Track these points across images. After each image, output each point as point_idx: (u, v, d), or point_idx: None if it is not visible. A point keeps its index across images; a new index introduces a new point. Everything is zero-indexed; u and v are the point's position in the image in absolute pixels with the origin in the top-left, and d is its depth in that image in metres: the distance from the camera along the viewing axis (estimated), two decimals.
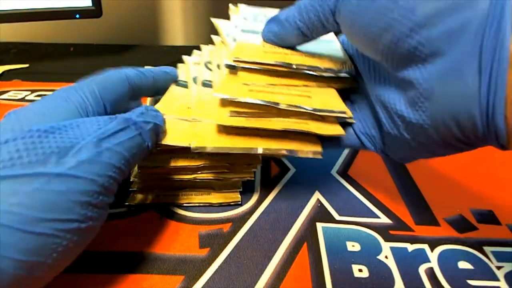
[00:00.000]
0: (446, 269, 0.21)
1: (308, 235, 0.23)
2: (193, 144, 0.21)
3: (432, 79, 0.16)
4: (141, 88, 0.24)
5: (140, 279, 0.20)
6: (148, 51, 0.58)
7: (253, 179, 0.25)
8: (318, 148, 0.22)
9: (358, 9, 0.18)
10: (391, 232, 0.24)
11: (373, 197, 0.27)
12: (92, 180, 0.16)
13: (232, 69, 0.22)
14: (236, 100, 0.21)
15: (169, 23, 0.75)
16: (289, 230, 0.23)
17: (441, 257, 0.22)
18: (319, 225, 0.24)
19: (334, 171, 0.30)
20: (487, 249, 0.23)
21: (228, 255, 0.22)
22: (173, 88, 0.26)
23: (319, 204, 0.26)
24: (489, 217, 0.25)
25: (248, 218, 0.24)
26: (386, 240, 0.23)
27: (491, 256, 0.22)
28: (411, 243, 0.23)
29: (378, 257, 0.22)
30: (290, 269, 0.21)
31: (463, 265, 0.21)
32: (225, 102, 0.21)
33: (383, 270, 0.21)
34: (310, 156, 0.22)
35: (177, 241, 0.22)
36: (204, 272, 0.20)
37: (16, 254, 0.14)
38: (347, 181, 0.29)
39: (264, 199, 0.26)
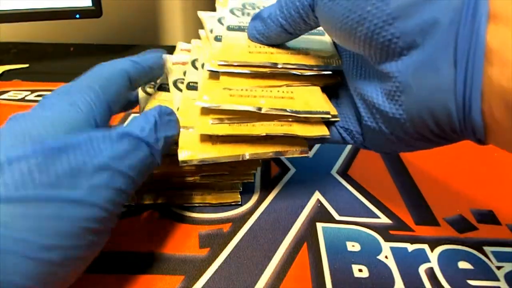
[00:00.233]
0: (446, 269, 0.21)
1: (308, 235, 0.23)
2: (180, 157, 0.20)
3: (407, 71, 0.16)
4: (140, 80, 0.23)
5: (140, 279, 0.20)
6: None
7: (253, 181, 0.25)
8: (305, 147, 0.22)
9: (333, 2, 0.17)
10: (391, 232, 0.24)
11: (373, 197, 0.27)
12: (102, 207, 0.15)
13: (213, 73, 0.22)
14: (218, 107, 0.20)
15: (169, 23, 0.75)
16: (289, 230, 0.23)
17: (441, 257, 0.22)
18: (319, 225, 0.24)
19: (334, 171, 0.30)
20: (487, 249, 0.23)
21: (228, 255, 0.22)
22: (156, 94, 0.26)
23: (319, 204, 0.26)
24: (489, 217, 0.25)
25: (248, 218, 0.24)
26: (386, 240, 0.23)
27: (491, 256, 0.22)
28: (411, 243, 0.23)
29: (378, 257, 0.22)
30: (290, 269, 0.21)
31: (463, 265, 0.21)
32: (206, 110, 0.21)
33: (383, 270, 0.21)
34: (297, 155, 0.22)
35: (177, 241, 0.22)
36: (204, 272, 0.20)
37: (23, 280, 0.13)
38: (347, 181, 0.29)
39: (264, 199, 0.26)
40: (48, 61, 0.52)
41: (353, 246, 0.22)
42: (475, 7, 0.14)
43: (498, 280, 0.21)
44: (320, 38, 0.24)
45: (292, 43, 0.23)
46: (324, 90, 0.23)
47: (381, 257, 0.22)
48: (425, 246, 0.23)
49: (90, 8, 0.49)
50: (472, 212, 0.26)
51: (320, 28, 0.26)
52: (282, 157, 0.31)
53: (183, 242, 0.22)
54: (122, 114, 0.37)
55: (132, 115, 0.37)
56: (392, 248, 0.22)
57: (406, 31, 0.15)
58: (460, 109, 0.14)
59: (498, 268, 0.21)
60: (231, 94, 0.21)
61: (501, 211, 0.26)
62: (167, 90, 0.26)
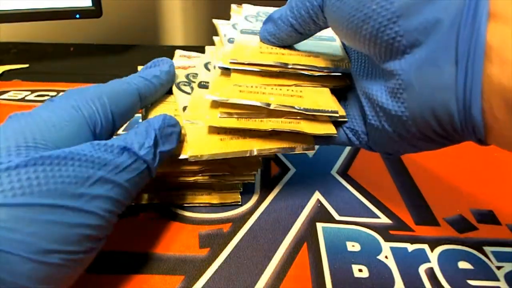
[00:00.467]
0: (446, 269, 0.21)
1: (308, 235, 0.23)
2: (189, 153, 0.21)
3: (410, 69, 0.16)
4: (150, 97, 0.24)
5: (140, 279, 0.20)
6: (148, 51, 0.58)
7: (253, 181, 0.25)
8: (311, 144, 0.22)
9: (341, 2, 0.18)
10: (391, 232, 0.24)
11: (373, 197, 0.27)
12: (101, 216, 0.16)
13: (225, 70, 0.22)
14: (227, 101, 0.20)
15: (169, 23, 0.75)
16: (289, 230, 0.23)
17: (441, 257, 0.22)
18: (319, 225, 0.24)
19: (334, 171, 0.30)
20: (487, 249, 0.23)
21: (228, 255, 0.22)
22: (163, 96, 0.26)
23: (319, 204, 0.26)
24: (489, 217, 0.25)
25: (248, 218, 0.24)
26: (386, 240, 0.23)
27: (491, 256, 0.22)
28: (411, 243, 0.23)
29: (378, 257, 0.22)
30: (290, 269, 0.21)
31: (463, 265, 0.21)
32: (216, 104, 0.21)
33: (383, 270, 0.21)
34: (304, 151, 0.22)
35: (177, 241, 0.22)
36: (204, 272, 0.20)
37: (28, 283, 0.14)
38: (347, 181, 0.29)
39: (264, 199, 0.26)
40: (48, 61, 0.52)
41: (353, 246, 0.22)
42: (476, 6, 0.14)
43: (498, 280, 0.21)
44: (330, 43, 0.25)
45: (302, 46, 0.23)
46: (332, 92, 0.23)
47: (381, 257, 0.22)
48: (425, 246, 0.23)
49: (90, 8, 0.49)
50: (472, 212, 0.26)
51: (331, 34, 0.26)
52: (282, 157, 0.31)
53: (183, 242, 0.22)
54: None
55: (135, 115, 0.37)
56: (392, 248, 0.22)
57: (409, 30, 0.15)
58: (461, 108, 0.15)
59: (498, 268, 0.21)
60: (241, 90, 0.21)
61: (501, 211, 0.26)
62: (170, 92, 0.26)
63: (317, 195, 0.27)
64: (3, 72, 0.48)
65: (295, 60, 0.22)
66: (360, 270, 0.21)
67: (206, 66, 0.28)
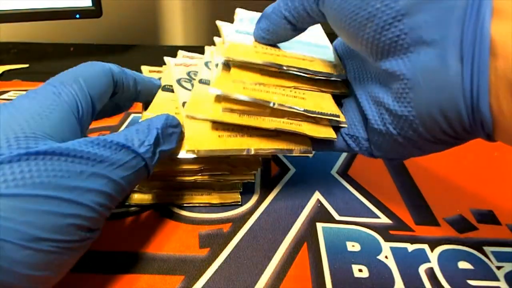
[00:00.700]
0: (446, 269, 0.21)
1: (308, 235, 0.23)
2: (186, 147, 0.21)
3: (415, 68, 0.16)
4: (123, 84, 0.23)
5: (140, 279, 0.20)
6: (148, 51, 0.58)
7: (253, 181, 0.25)
8: (309, 147, 0.22)
9: (342, 0, 0.17)
10: (391, 232, 0.24)
11: (373, 197, 0.27)
12: (93, 209, 0.16)
13: (226, 67, 0.22)
14: (230, 96, 0.20)
15: (169, 23, 0.75)
16: (289, 230, 0.23)
17: (441, 257, 0.22)
18: (319, 225, 0.24)
19: (334, 171, 0.30)
20: (487, 249, 0.23)
21: (228, 255, 0.22)
22: (160, 93, 0.26)
23: (319, 204, 0.26)
24: (489, 217, 0.25)
25: (248, 218, 0.24)
26: (386, 240, 0.23)
27: (491, 256, 0.22)
28: (411, 243, 0.23)
29: (378, 257, 0.22)
30: (290, 269, 0.21)
31: (463, 265, 0.21)
32: (219, 98, 0.21)
33: (383, 270, 0.21)
34: (301, 154, 0.22)
35: (177, 241, 0.22)
36: (204, 272, 0.20)
37: (25, 270, 0.14)
38: (347, 181, 0.29)
39: (264, 199, 0.26)
40: (48, 61, 0.52)
41: (353, 246, 0.22)
42: (479, 3, 0.14)
43: (498, 280, 0.21)
44: (325, 50, 0.25)
45: (297, 51, 0.23)
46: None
47: (381, 257, 0.22)
48: (425, 246, 0.23)
49: (90, 8, 0.49)
50: (472, 212, 0.26)
51: (325, 42, 0.26)
52: (282, 157, 0.31)
53: (183, 242, 0.22)
54: (122, 114, 0.37)
55: (132, 116, 0.37)
56: (392, 248, 0.22)
57: (414, 28, 0.15)
58: (468, 103, 0.15)
59: (498, 268, 0.21)
60: (244, 87, 0.21)
61: (501, 211, 0.26)
62: (171, 91, 0.26)
63: (317, 195, 0.27)
64: (3, 72, 0.48)
65: (289, 62, 0.22)
66: (360, 270, 0.21)
67: (206, 64, 0.28)
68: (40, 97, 0.18)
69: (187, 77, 0.27)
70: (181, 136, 0.22)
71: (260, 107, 0.21)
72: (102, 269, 0.20)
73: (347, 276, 0.20)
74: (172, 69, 0.28)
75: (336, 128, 0.22)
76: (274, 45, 0.23)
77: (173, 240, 0.23)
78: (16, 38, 0.60)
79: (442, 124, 0.16)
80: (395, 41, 0.16)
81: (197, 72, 0.28)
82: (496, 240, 0.23)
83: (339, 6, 0.18)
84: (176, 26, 0.75)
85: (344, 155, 0.32)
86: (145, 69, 0.31)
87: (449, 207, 0.26)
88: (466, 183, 0.29)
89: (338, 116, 0.21)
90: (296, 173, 0.29)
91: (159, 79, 0.28)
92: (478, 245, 0.23)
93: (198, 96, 0.23)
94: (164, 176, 0.24)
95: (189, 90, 0.26)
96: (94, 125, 0.27)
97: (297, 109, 0.21)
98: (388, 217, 0.25)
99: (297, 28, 0.21)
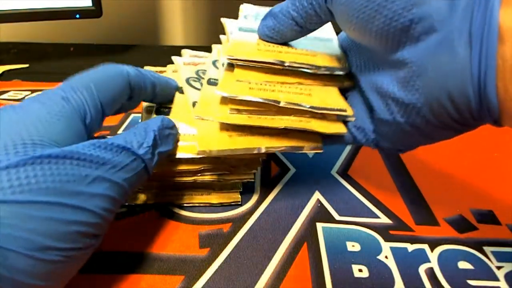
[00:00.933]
0: (446, 269, 0.21)
1: (308, 235, 0.23)
2: (198, 148, 0.21)
3: (424, 56, 0.16)
4: (140, 89, 0.23)
5: (140, 279, 0.20)
6: (148, 51, 0.58)
7: (253, 180, 0.25)
8: (319, 143, 0.22)
9: None
10: (391, 232, 0.24)
11: (373, 197, 0.27)
12: (98, 214, 0.16)
13: (230, 67, 0.22)
14: (236, 98, 0.21)
15: (169, 23, 0.75)
16: (289, 230, 0.23)
17: (441, 257, 0.22)
18: (319, 225, 0.24)
19: (334, 171, 0.30)
20: (487, 249, 0.23)
21: (228, 255, 0.22)
22: (177, 97, 0.26)
23: (319, 204, 0.26)
24: (489, 217, 0.25)
25: (248, 218, 0.24)
26: (386, 240, 0.23)
27: (491, 256, 0.22)
28: (411, 243, 0.23)
29: (378, 257, 0.22)
30: (290, 269, 0.21)
31: (463, 265, 0.21)
32: (226, 100, 0.21)
33: (383, 270, 0.21)
34: (311, 151, 0.22)
35: (177, 241, 0.22)
36: (204, 272, 0.20)
37: (27, 279, 0.14)
38: (347, 181, 0.29)
39: (264, 199, 0.26)
40: (48, 61, 0.52)
41: (353, 246, 0.22)
42: None
43: (498, 280, 0.21)
44: (327, 44, 0.25)
45: (300, 45, 0.23)
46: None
47: (381, 257, 0.22)
48: (425, 246, 0.23)
49: (90, 8, 0.49)
50: (472, 212, 0.26)
51: (328, 35, 0.26)
52: (282, 157, 0.31)
53: (183, 242, 0.22)
54: (122, 114, 0.37)
55: (132, 116, 0.37)
56: (392, 248, 0.22)
57: (424, 17, 0.16)
58: (476, 88, 0.15)
59: (498, 268, 0.21)
60: (250, 87, 0.21)
61: (501, 211, 0.26)
62: (180, 91, 0.26)
63: (317, 195, 0.27)
64: (3, 72, 0.48)
65: (292, 58, 0.22)
66: (360, 270, 0.21)
67: (214, 63, 0.28)
68: (50, 103, 0.18)
69: (196, 76, 0.27)
70: (177, 138, 0.22)
71: (267, 106, 0.21)
72: (102, 269, 0.20)
73: (347, 276, 0.20)
74: (181, 68, 0.28)
75: (344, 121, 0.22)
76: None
77: (173, 240, 0.23)
78: (16, 38, 0.60)
79: (450, 110, 0.16)
80: (405, 31, 0.16)
81: (205, 70, 0.28)
82: (496, 240, 0.23)
83: (347, 0, 0.18)
84: (176, 26, 0.75)
85: (344, 155, 0.32)
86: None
87: (449, 207, 0.26)
88: (466, 183, 0.29)
89: (345, 111, 0.21)
90: (296, 173, 0.29)
91: None
92: (478, 245, 0.23)
93: (207, 97, 0.23)
94: (164, 177, 0.24)
95: (198, 89, 0.26)
96: None
97: (304, 106, 0.21)
98: (388, 217, 0.25)
99: (303, 29, 0.21)
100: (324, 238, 0.23)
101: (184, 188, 0.25)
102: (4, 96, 0.41)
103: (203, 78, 0.27)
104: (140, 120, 0.26)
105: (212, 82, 0.25)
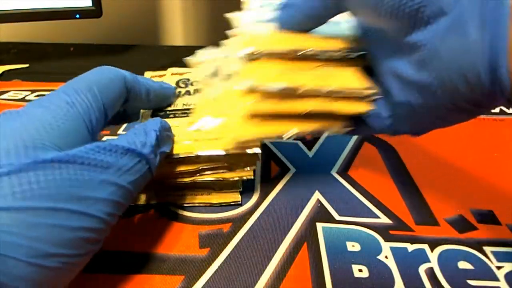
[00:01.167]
0: (446, 269, 0.21)
1: (308, 235, 0.23)
2: (228, 144, 0.21)
3: (436, 38, 0.16)
4: (135, 92, 0.23)
5: (140, 279, 0.20)
6: (148, 51, 0.58)
7: (252, 177, 0.25)
8: (347, 122, 0.22)
9: None
10: (391, 232, 0.24)
11: (373, 197, 0.27)
12: (102, 219, 0.16)
13: (249, 59, 0.22)
14: (260, 87, 0.21)
15: (169, 23, 0.75)
16: (289, 230, 0.23)
17: (441, 257, 0.22)
18: (319, 225, 0.24)
19: (334, 171, 0.30)
20: (487, 249, 0.23)
21: (228, 255, 0.22)
22: (196, 96, 0.27)
23: (319, 204, 0.26)
24: (489, 217, 0.25)
25: (248, 218, 0.24)
26: (386, 240, 0.23)
27: (491, 256, 0.22)
28: (411, 243, 0.23)
29: (378, 257, 0.22)
30: (290, 269, 0.21)
31: (463, 265, 0.21)
32: (249, 90, 0.21)
33: (383, 270, 0.21)
34: (340, 131, 0.23)
35: (177, 241, 0.22)
36: (204, 272, 0.20)
37: (29, 286, 0.14)
38: (347, 181, 0.29)
39: (264, 199, 0.26)
40: (48, 61, 0.52)
41: (353, 246, 0.22)
42: None
43: (498, 280, 0.21)
44: (338, 26, 0.25)
45: (324, 30, 0.23)
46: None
47: (381, 257, 0.22)
48: (425, 246, 0.23)
49: (90, 8, 0.49)
50: (472, 212, 0.26)
51: (340, 19, 0.26)
52: (282, 157, 0.31)
53: (183, 242, 0.22)
54: None
55: None
56: (392, 248, 0.22)
57: (432, 0, 0.16)
58: (488, 69, 0.15)
59: (498, 268, 0.21)
60: (273, 75, 0.21)
61: (501, 211, 0.26)
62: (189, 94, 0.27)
63: (317, 195, 0.27)
64: (3, 72, 0.48)
65: (313, 44, 0.22)
66: (360, 270, 0.21)
67: (228, 58, 0.27)
68: (54, 107, 0.18)
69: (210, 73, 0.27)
70: (173, 139, 0.23)
71: (290, 91, 0.21)
72: (102, 269, 0.20)
73: (347, 276, 0.20)
74: (206, 64, 0.28)
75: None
76: None
77: (173, 240, 0.23)
78: (16, 38, 0.60)
79: (464, 91, 0.16)
80: (415, 15, 0.16)
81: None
82: (496, 240, 0.23)
83: None
84: (176, 26, 0.75)
85: (344, 155, 0.32)
86: (147, 74, 0.31)
87: (449, 207, 0.26)
88: (466, 183, 0.29)
89: (369, 89, 0.21)
90: (296, 173, 0.29)
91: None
92: (478, 245, 0.23)
93: (227, 93, 0.23)
94: (164, 178, 0.24)
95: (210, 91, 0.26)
96: None
97: (327, 89, 0.21)
98: (388, 217, 0.25)
99: (321, 19, 0.22)
100: (324, 238, 0.23)
101: (184, 189, 0.25)
102: (4, 96, 0.41)
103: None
104: (139, 120, 0.26)
105: (229, 77, 0.25)
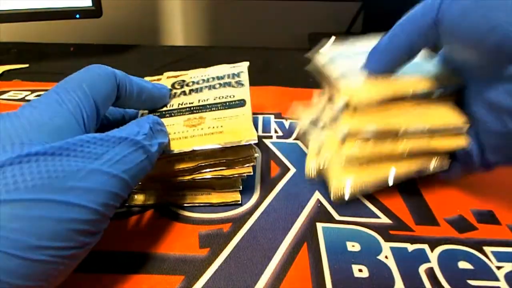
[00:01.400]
0: (446, 269, 0.21)
1: (308, 235, 0.23)
2: (338, 189, 0.23)
3: None
4: (126, 89, 0.23)
5: (140, 279, 0.20)
6: (148, 51, 0.58)
7: (251, 173, 0.24)
8: (445, 159, 0.24)
9: (463, 12, 0.19)
10: (391, 232, 0.24)
11: (373, 197, 0.27)
12: (95, 210, 0.15)
13: (350, 108, 0.23)
14: (363, 130, 0.22)
15: (169, 23, 0.75)
16: (289, 230, 0.23)
17: (441, 257, 0.22)
18: (319, 225, 0.24)
19: None
20: (487, 249, 0.23)
21: (228, 255, 0.22)
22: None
23: (319, 204, 0.26)
24: (489, 217, 0.25)
25: (248, 218, 0.24)
26: (386, 240, 0.23)
27: (491, 256, 0.22)
28: (411, 243, 0.23)
29: (378, 257, 0.22)
30: (290, 269, 0.21)
31: (463, 265, 0.21)
32: (350, 135, 0.22)
33: (383, 270, 0.21)
34: (440, 169, 0.24)
35: (177, 241, 0.22)
36: (204, 272, 0.20)
37: (14, 279, 0.14)
38: None
39: (264, 199, 0.26)
40: (48, 61, 0.52)
41: (353, 246, 0.22)
42: None
43: (498, 280, 0.21)
44: (427, 64, 0.26)
45: (411, 71, 0.24)
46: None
47: (381, 257, 0.22)
48: (425, 246, 0.23)
49: (90, 8, 0.49)
50: (472, 212, 0.26)
51: (423, 56, 0.26)
52: (282, 157, 0.31)
53: (183, 242, 0.22)
54: None
55: None
56: (392, 248, 0.22)
57: None
58: None
59: (498, 268, 0.21)
60: (372, 119, 0.22)
61: (501, 211, 0.26)
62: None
63: (317, 195, 0.27)
64: (3, 72, 0.48)
65: (411, 86, 0.23)
66: (360, 270, 0.21)
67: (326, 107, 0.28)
68: (42, 106, 0.18)
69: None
70: (168, 136, 0.23)
71: (389, 133, 0.22)
72: (102, 269, 0.20)
73: (347, 276, 0.20)
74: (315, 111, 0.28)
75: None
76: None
77: (173, 240, 0.23)
78: (16, 38, 0.60)
79: None
80: None
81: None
82: (496, 240, 0.23)
83: (460, 20, 0.19)
84: (176, 26, 0.75)
85: None
86: (165, 75, 0.31)
87: (449, 207, 0.26)
88: (466, 183, 0.29)
89: (464, 123, 0.23)
90: (296, 173, 0.29)
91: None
92: (478, 245, 0.23)
93: (331, 139, 0.25)
94: (163, 177, 0.24)
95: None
96: None
97: (424, 128, 0.22)
98: (388, 217, 0.25)
99: (412, 56, 0.23)
100: (324, 238, 0.23)
101: (184, 188, 0.25)
102: (4, 96, 0.41)
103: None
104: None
105: (325, 126, 0.26)
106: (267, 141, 0.33)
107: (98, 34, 0.69)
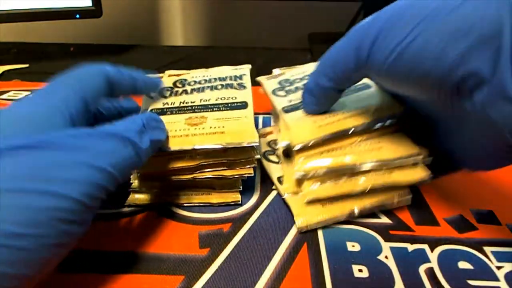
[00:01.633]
0: (446, 269, 0.21)
1: (308, 235, 0.23)
2: (298, 224, 0.23)
3: (481, 105, 0.17)
4: (120, 84, 0.23)
5: (140, 279, 0.20)
6: (148, 51, 0.58)
7: (252, 174, 0.24)
8: (407, 192, 0.24)
9: (394, 64, 0.18)
10: (391, 232, 0.24)
11: None
12: (79, 201, 0.16)
13: (295, 150, 0.23)
14: (316, 172, 0.22)
15: (169, 24, 0.75)
16: (289, 230, 0.23)
17: (441, 257, 0.22)
18: None
19: None
20: (487, 249, 0.23)
21: (228, 255, 0.22)
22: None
23: None
24: (489, 217, 0.25)
25: (248, 218, 0.24)
26: (386, 240, 0.23)
27: (491, 256, 0.22)
28: (411, 243, 0.23)
29: (378, 257, 0.22)
30: (290, 269, 0.21)
31: (463, 265, 0.21)
32: (305, 177, 0.22)
33: (383, 270, 0.21)
34: (403, 203, 0.24)
35: (177, 241, 0.22)
36: (204, 272, 0.20)
37: (1, 267, 0.14)
38: None
39: (264, 199, 0.26)
40: (48, 61, 0.52)
41: (353, 246, 0.22)
42: None
43: (498, 280, 0.21)
44: (371, 92, 0.26)
45: (349, 104, 0.24)
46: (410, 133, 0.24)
47: (381, 257, 0.22)
48: (425, 246, 0.23)
49: (90, 8, 0.49)
50: (472, 212, 0.26)
51: (365, 83, 0.26)
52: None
53: (183, 242, 0.22)
54: None
55: None
56: (392, 248, 0.22)
57: (472, 72, 0.16)
58: None
59: (498, 268, 0.21)
60: (321, 152, 0.22)
61: (501, 211, 0.26)
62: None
63: None
64: (3, 72, 0.48)
65: (352, 122, 0.23)
66: (360, 270, 0.21)
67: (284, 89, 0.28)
68: (29, 101, 0.18)
69: (270, 148, 0.29)
70: (167, 133, 0.23)
71: (343, 171, 0.22)
72: (102, 269, 0.20)
73: (347, 276, 0.20)
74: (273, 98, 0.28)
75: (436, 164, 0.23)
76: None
77: (173, 240, 0.23)
78: (16, 38, 0.60)
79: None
80: (459, 88, 0.17)
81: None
82: (496, 240, 0.23)
83: (390, 68, 0.18)
84: (176, 26, 0.75)
85: None
86: (166, 73, 0.31)
87: (449, 207, 0.26)
88: (466, 183, 0.29)
89: (420, 154, 0.22)
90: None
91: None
92: (478, 245, 0.23)
93: (289, 172, 0.24)
94: (163, 175, 0.24)
95: (276, 163, 0.27)
96: None
97: (379, 161, 0.22)
98: (388, 217, 0.25)
99: (341, 91, 0.23)
100: (324, 238, 0.23)
101: (184, 188, 0.25)
102: (4, 96, 0.41)
103: (276, 149, 0.28)
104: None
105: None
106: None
107: (98, 34, 0.69)
